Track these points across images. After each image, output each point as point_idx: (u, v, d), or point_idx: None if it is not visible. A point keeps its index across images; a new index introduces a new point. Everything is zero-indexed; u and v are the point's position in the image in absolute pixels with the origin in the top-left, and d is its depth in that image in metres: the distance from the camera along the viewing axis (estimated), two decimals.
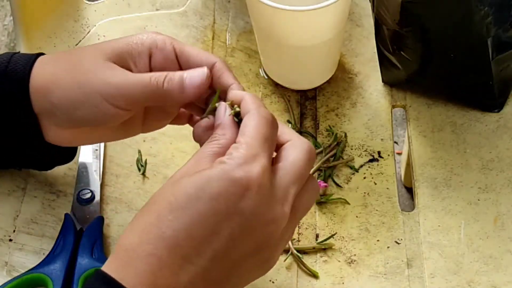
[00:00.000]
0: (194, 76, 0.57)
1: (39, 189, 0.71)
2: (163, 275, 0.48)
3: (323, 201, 0.72)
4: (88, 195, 0.70)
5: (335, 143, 0.76)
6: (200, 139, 0.58)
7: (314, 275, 0.68)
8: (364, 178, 0.74)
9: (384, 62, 0.79)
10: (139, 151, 0.75)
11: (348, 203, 0.72)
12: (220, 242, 0.50)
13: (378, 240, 0.70)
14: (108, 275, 0.48)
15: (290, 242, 0.68)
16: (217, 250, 0.50)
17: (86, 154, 0.73)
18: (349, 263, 0.68)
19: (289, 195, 0.52)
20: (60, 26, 0.85)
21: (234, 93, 0.57)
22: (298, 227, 0.71)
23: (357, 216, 0.72)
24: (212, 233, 0.49)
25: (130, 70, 0.60)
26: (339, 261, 0.69)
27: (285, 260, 0.68)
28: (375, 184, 0.74)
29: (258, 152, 0.51)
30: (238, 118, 0.55)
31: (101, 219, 0.68)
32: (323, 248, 0.69)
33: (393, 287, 0.67)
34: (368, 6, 0.82)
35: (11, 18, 0.93)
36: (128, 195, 0.73)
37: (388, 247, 0.69)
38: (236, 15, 0.87)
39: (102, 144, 0.75)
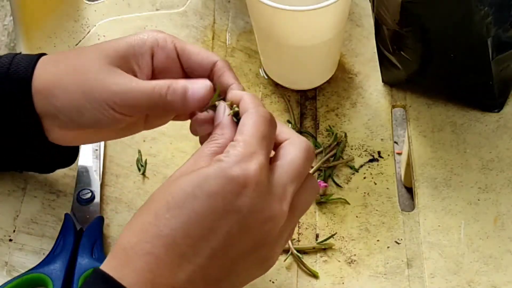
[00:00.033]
0: (197, 89, 0.57)
1: (39, 189, 0.71)
2: (161, 274, 0.48)
3: (323, 201, 0.72)
4: (88, 195, 0.70)
5: (335, 143, 0.76)
6: (196, 132, 0.59)
7: (314, 275, 0.68)
8: (364, 178, 0.74)
9: (384, 62, 0.79)
10: (139, 151, 0.75)
11: (348, 203, 0.72)
12: (218, 240, 0.50)
13: (378, 240, 0.70)
14: (106, 273, 0.49)
15: (290, 242, 0.68)
16: (215, 248, 0.50)
17: (86, 154, 0.73)
18: (349, 263, 0.68)
19: (287, 193, 0.52)
20: (60, 26, 0.85)
21: (234, 93, 0.57)
22: (298, 227, 0.71)
23: (357, 216, 0.72)
24: (209, 231, 0.49)
25: (134, 72, 0.60)
26: (339, 261, 0.69)
27: (285, 260, 0.68)
28: (375, 184, 0.74)
29: (256, 150, 0.51)
30: (237, 118, 0.55)
31: (101, 219, 0.68)
32: (323, 248, 0.69)
33: (393, 287, 0.67)
34: (368, 6, 0.82)
35: (11, 18, 0.93)
36: (128, 195, 0.73)
37: (388, 247, 0.69)
38: (236, 15, 0.87)
39: (102, 144, 0.75)
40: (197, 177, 0.50)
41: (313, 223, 0.71)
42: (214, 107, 0.57)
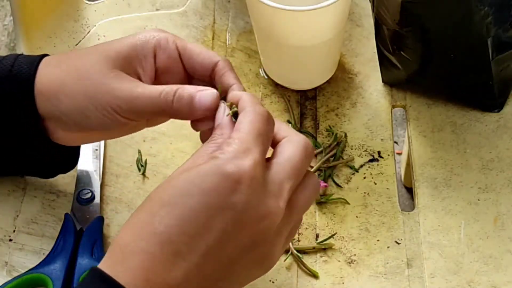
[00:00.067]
0: (204, 96, 0.57)
1: (39, 189, 0.71)
2: (156, 271, 0.48)
3: (323, 201, 0.72)
4: (88, 195, 0.70)
5: (335, 143, 0.76)
6: (197, 127, 0.59)
7: (314, 275, 0.68)
8: (364, 178, 0.74)
9: (384, 62, 0.79)
10: (139, 151, 0.75)
11: (348, 203, 0.72)
12: (213, 237, 0.49)
13: (378, 240, 0.70)
14: (103, 272, 0.49)
15: (290, 242, 0.68)
16: (210, 245, 0.49)
17: (86, 154, 0.73)
18: (349, 263, 0.68)
19: (284, 190, 0.52)
20: (60, 26, 0.85)
21: (233, 93, 0.57)
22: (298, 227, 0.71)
23: (357, 216, 0.72)
24: (204, 228, 0.49)
25: (138, 74, 0.60)
26: (339, 261, 0.69)
27: (285, 260, 0.68)
28: (375, 184, 0.74)
29: (251, 147, 0.51)
30: (236, 118, 0.55)
31: (101, 219, 0.68)
32: (323, 248, 0.69)
33: (393, 287, 0.67)
34: (368, 6, 0.82)
35: (11, 18, 0.93)
36: (128, 195, 0.73)
37: (388, 247, 0.69)
38: (236, 15, 0.87)
39: (102, 144, 0.75)
40: (192, 174, 0.50)
41: (313, 223, 0.71)
42: None
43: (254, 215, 0.51)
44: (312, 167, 0.74)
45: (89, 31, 0.85)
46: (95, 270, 0.49)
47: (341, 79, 0.82)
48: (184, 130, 0.77)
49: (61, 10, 0.85)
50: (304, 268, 0.68)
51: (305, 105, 0.80)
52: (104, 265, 0.49)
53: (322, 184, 0.73)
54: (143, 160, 0.75)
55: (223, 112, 0.56)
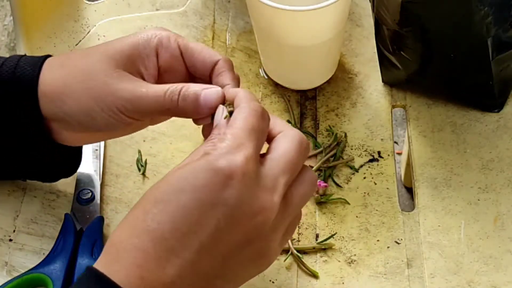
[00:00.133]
0: (209, 95, 0.57)
1: (39, 189, 0.71)
2: (149, 269, 0.48)
3: (323, 201, 0.72)
4: (88, 195, 0.70)
5: (335, 143, 0.76)
6: (197, 122, 0.59)
7: (314, 275, 0.68)
8: (364, 178, 0.74)
9: (384, 62, 0.79)
10: (139, 151, 0.75)
11: (348, 203, 0.72)
12: (206, 233, 0.49)
13: (378, 240, 0.70)
14: (98, 270, 0.49)
15: (290, 242, 0.68)
16: (203, 241, 0.49)
17: (86, 154, 0.73)
18: (349, 263, 0.68)
19: (279, 185, 0.52)
20: (60, 26, 0.85)
21: (230, 91, 0.57)
22: (298, 227, 0.71)
23: (357, 216, 0.72)
24: (197, 225, 0.49)
25: (141, 74, 0.60)
26: (339, 261, 0.69)
27: (285, 260, 0.68)
28: (375, 184, 0.74)
29: (243, 142, 0.51)
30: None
31: (101, 219, 0.68)
32: (323, 248, 0.69)
33: (393, 287, 0.67)
34: (368, 6, 0.82)
35: (11, 18, 0.93)
36: (128, 195, 0.73)
37: (388, 247, 0.69)
38: (236, 15, 0.87)
39: (102, 144, 0.75)
40: (184, 172, 0.50)
41: (313, 223, 0.71)
42: None
43: (247, 211, 0.50)
44: (312, 167, 0.74)
45: (89, 31, 0.85)
46: (90, 269, 0.49)
47: (341, 79, 0.82)
48: (184, 130, 0.77)
49: (61, 10, 0.85)
50: (304, 268, 0.68)
51: (305, 105, 0.80)
52: (99, 264, 0.49)
53: (322, 184, 0.73)
54: (143, 160, 0.75)
55: (221, 113, 0.56)
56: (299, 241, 0.70)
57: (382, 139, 0.77)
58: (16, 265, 0.67)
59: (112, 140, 0.75)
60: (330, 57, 0.79)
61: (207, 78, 0.61)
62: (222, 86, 0.59)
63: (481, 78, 0.74)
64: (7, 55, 0.65)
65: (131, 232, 0.49)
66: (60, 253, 0.65)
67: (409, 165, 0.84)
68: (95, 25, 0.86)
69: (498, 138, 0.75)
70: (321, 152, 0.76)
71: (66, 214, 0.68)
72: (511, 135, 0.75)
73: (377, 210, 0.72)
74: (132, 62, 0.60)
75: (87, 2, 0.88)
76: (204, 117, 0.58)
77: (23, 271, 0.65)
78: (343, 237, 0.70)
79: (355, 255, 0.69)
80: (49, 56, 0.63)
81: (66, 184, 0.71)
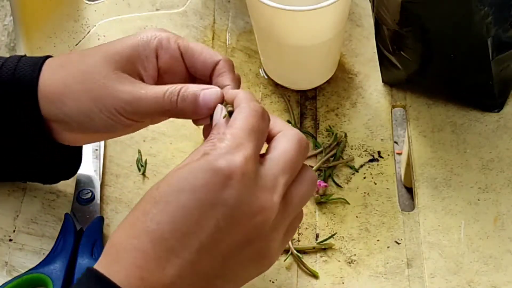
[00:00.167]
0: (208, 95, 0.57)
1: (39, 189, 0.71)
2: (149, 269, 0.48)
3: (323, 201, 0.72)
4: (88, 195, 0.70)
5: (335, 143, 0.76)
6: (197, 122, 0.59)
7: (314, 275, 0.68)
8: (364, 178, 0.74)
9: (384, 62, 0.79)
10: (139, 151, 0.75)
11: (348, 203, 0.72)
12: (206, 234, 0.49)
13: (378, 240, 0.70)
14: (97, 271, 0.48)
15: (290, 242, 0.68)
16: (203, 241, 0.49)
17: (86, 154, 0.73)
18: (349, 263, 0.68)
19: (278, 184, 0.52)
20: (60, 26, 0.84)
21: (230, 92, 0.57)
22: (298, 227, 0.71)
23: (357, 216, 0.72)
24: (196, 225, 0.49)
25: (140, 75, 0.60)
26: (339, 261, 0.69)
27: (285, 260, 0.68)
28: (375, 184, 0.74)
29: (243, 142, 0.51)
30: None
31: (101, 219, 0.68)
32: (323, 248, 0.69)
33: (393, 287, 0.67)
34: (368, 6, 0.82)
35: (11, 18, 0.93)
36: (128, 195, 0.73)
37: (388, 247, 0.69)
38: (236, 15, 0.87)
39: (102, 144, 0.75)
40: (184, 172, 0.50)
41: (313, 223, 0.71)
42: None
43: (247, 211, 0.50)
44: (312, 167, 0.74)
45: (89, 31, 0.85)
46: (90, 270, 0.49)
47: (341, 79, 0.82)
48: (184, 130, 0.77)
49: (61, 10, 0.85)
50: (304, 268, 0.68)
51: (305, 105, 0.80)
52: (99, 265, 0.49)
53: (322, 184, 0.73)
54: (143, 160, 0.75)
55: (220, 113, 0.56)
56: (299, 241, 0.70)
57: (382, 139, 0.77)
58: (16, 265, 0.67)
59: (112, 140, 0.75)
60: (330, 57, 0.79)
61: (208, 78, 0.61)
62: (222, 87, 0.59)
63: (481, 78, 0.74)
64: (7, 55, 0.65)
65: (131, 233, 0.49)
66: (60, 253, 0.65)
67: (409, 165, 0.84)
68: (95, 25, 0.86)
69: (498, 138, 0.75)
70: (321, 152, 0.76)
71: (66, 214, 0.68)
72: (511, 135, 0.75)
73: (377, 210, 0.72)
74: (131, 64, 0.60)
75: (87, 2, 0.88)
76: (203, 117, 0.58)
77: (23, 271, 0.65)
78: (343, 237, 0.70)
79: (355, 255, 0.69)
80: (49, 56, 0.63)
81: (66, 184, 0.71)
